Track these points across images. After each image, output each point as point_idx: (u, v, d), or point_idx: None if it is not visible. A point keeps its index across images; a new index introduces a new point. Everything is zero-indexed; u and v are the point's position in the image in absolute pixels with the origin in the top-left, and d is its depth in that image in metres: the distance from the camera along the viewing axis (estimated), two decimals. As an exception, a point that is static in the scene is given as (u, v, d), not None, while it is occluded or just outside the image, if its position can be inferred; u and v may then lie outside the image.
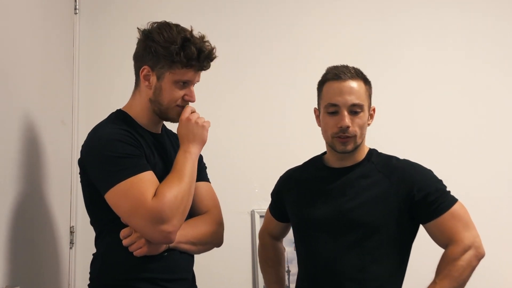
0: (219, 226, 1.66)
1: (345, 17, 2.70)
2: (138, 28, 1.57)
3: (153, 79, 1.54)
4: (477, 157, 2.60)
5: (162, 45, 1.50)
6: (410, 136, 2.56)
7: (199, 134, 1.54)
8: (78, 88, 2.44)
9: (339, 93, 1.55)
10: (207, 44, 1.55)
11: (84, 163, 1.53)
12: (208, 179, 1.74)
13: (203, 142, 1.56)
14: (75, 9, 2.47)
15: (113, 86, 2.49)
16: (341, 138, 1.54)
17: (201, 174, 1.71)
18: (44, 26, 2.03)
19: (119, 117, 1.58)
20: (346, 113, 1.53)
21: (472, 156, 2.60)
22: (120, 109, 1.62)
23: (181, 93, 1.55)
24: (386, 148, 1.67)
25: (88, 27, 2.51)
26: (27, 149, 1.72)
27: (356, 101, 1.54)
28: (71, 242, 2.31)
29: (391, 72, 2.61)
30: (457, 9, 2.73)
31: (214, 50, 1.56)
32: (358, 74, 1.58)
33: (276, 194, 1.79)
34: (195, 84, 1.59)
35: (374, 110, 1.63)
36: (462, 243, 1.45)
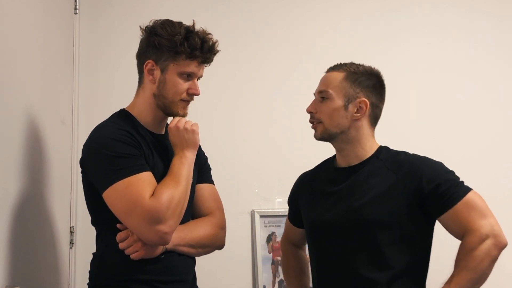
0: (221, 229, 1.65)
1: (343, 14, 2.69)
2: (140, 26, 1.58)
3: (157, 72, 1.54)
4: (478, 155, 2.60)
5: (166, 37, 1.51)
6: (408, 133, 2.55)
7: (191, 140, 1.54)
8: (78, 88, 2.44)
9: (318, 85, 1.65)
10: (210, 36, 1.56)
11: (84, 162, 1.54)
12: (212, 181, 1.74)
13: (196, 146, 1.56)
14: (75, 9, 2.47)
15: (113, 86, 2.49)
16: (312, 124, 1.62)
17: (205, 176, 1.71)
18: (44, 26, 2.03)
19: (121, 117, 1.58)
20: (314, 100, 1.62)
21: (473, 154, 2.60)
22: (123, 109, 1.62)
23: (185, 85, 1.55)
24: (386, 144, 1.66)
25: (88, 27, 2.50)
26: (27, 149, 1.72)
27: (321, 88, 1.60)
28: (71, 242, 2.30)
29: (390, 69, 2.59)
30: (456, 5, 2.72)
31: (217, 44, 1.57)
32: (342, 67, 1.61)
33: (291, 200, 1.79)
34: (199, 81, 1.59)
35: (365, 104, 1.57)
36: (478, 232, 1.39)
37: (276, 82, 2.59)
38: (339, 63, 1.64)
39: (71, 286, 2.26)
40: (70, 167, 2.31)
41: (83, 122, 2.40)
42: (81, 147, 2.38)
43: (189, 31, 1.53)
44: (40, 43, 1.96)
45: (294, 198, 1.76)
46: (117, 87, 2.48)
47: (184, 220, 1.52)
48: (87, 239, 2.33)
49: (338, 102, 1.57)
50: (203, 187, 1.68)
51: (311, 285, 1.73)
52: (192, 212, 1.65)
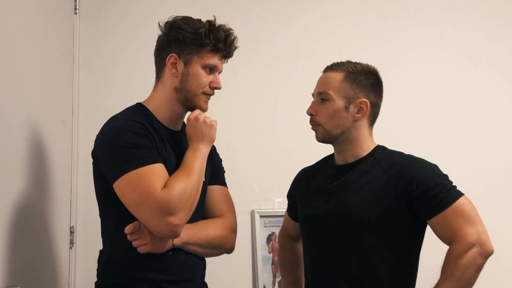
0: (231, 232, 1.64)
1: (344, 16, 2.70)
2: (159, 23, 1.58)
3: (180, 66, 1.54)
4: (475, 155, 2.61)
5: (190, 30, 1.53)
6: (409, 134, 2.55)
7: (207, 133, 1.54)
8: (78, 88, 2.44)
9: (316, 85, 1.63)
10: (231, 31, 1.58)
11: (96, 153, 1.52)
12: (225, 183, 1.73)
13: (211, 141, 1.56)
14: (75, 9, 2.47)
15: (113, 86, 2.49)
16: (312, 126, 1.61)
17: (218, 178, 1.71)
18: (44, 26, 2.03)
19: (135, 110, 1.57)
20: (314, 101, 1.61)
21: (470, 154, 2.60)
22: (139, 103, 1.61)
23: (208, 78, 1.55)
24: (384, 145, 1.66)
25: (88, 27, 2.50)
26: (27, 149, 1.72)
27: (322, 89, 1.58)
28: (71, 242, 2.31)
29: (390, 71, 2.60)
30: (458, 9, 2.73)
31: (237, 39, 1.59)
32: (341, 67, 1.59)
33: (290, 194, 1.80)
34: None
35: (366, 104, 1.57)
36: (464, 241, 1.38)
37: (277, 82, 2.59)
38: (336, 62, 1.63)
39: (71, 286, 2.27)
40: (70, 167, 2.32)
41: (83, 122, 2.41)
42: (81, 147, 2.40)
43: (212, 25, 1.55)
44: (40, 43, 1.96)
45: (292, 193, 1.78)
46: (117, 87, 2.48)
47: (194, 220, 1.53)
48: (87, 239, 2.34)
49: (339, 103, 1.56)
50: (215, 189, 1.68)
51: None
52: (203, 213, 1.64)
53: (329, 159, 1.71)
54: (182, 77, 1.54)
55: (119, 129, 1.46)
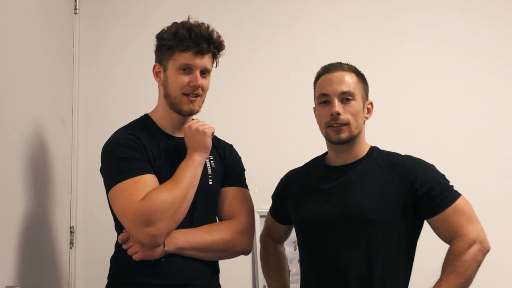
0: (240, 234, 1.61)
1: (342, 14, 2.69)
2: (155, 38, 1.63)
3: (162, 73, 1.60)
4: (475, 154, 2.60)
5: (163, 37, 1.57)
6: (406, 133, 2.55)
7: (201, 141, 1.55)
8: (78, 88, 2.44)
9: (329, 83, 1.59)
10: (201, 25, 1.57)
11: (100, 166, 1.59)
12: (242, 184, 1.72)
13: (205, 148, 1.56)
14: (75, 9, 2.47)
15: (113, 86, 2.49)
16: (334, 126, 1.56)
17: (231, 179, 1.70)
18: (44, 26, 2.03)
19: (138, 121, 1.64)
20: (336, 100, 1.56)
21: (470, 153, 2.60)
22: (146, 114, 1.67)
23: (185, 79, 1.56)
24: (382, 145, 1.67)
25: (88, 27, 2.50)
26: (27, 149, 1.72)
27: (346, 89, 1.56)
28: (71, 242, 2.31)
29: (388, 70, 2.61)
30: (455, 6, 2.72)
31: (212, 32, 1.58)
32: (350, 68, 1.61)
33: (277, 196, 1.78)
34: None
35: (371, 104, 1.63)
36: (466, 238, 1.43)
37: (276, 82, 2.59)
38: (332, 63, 1.63)
39: (71, 286, 2.27)
40: (70, 167, 2.31)
41: (83, 122, 2.41)
42: (81, 147, 2.39)
43: (177, 25, 1.57)
44: (40, 43, 1.96)
45: (281, 195, 1.76)
46: (117, 87, 2.48)
47: (206, 223, 1.57)
48: (87, 239, 2.34)
49: (360, 103, 1.58)
50: (228, 191, 1.68)
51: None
52: (219, 215, 1.66)
53: (318, 160, 1.71)
54: (164, 83, 1.59)
55: (112, 143, 1.53)
